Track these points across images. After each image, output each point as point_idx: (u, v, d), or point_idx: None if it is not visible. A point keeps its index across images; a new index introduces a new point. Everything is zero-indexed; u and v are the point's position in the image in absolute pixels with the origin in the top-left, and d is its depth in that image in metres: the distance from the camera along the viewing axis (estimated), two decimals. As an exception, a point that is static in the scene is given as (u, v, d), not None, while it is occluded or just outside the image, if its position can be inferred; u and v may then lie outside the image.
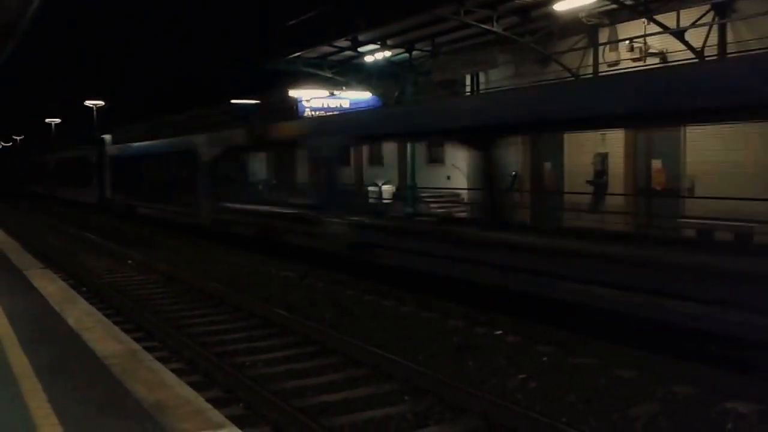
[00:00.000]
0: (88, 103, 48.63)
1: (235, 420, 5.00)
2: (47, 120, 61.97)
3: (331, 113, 24.65)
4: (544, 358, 8.08)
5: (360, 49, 24.58)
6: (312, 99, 26.00)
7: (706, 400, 6.58)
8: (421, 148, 25.40)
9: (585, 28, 18.65)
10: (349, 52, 25.35)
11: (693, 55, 15.56)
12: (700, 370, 7.11)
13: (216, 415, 4.46)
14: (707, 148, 15.07)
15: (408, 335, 9.26)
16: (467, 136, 11.75)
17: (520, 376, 7.43)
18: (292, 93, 26.62)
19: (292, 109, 26.41)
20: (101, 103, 48.76)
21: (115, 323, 7.86)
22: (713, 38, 15.51)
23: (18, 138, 77.35)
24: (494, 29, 19.03)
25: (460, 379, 7.16)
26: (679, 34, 15.80)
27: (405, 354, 8.08)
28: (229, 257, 16.90)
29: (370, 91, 26.14)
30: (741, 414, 6.22)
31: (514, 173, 20.54)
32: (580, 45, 19.28)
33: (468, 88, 23.15)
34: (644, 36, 16.98)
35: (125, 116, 48.60)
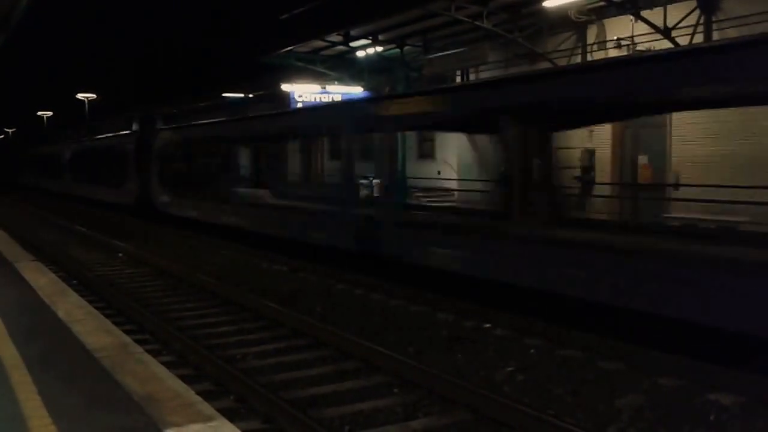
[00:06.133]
0: (80, 95, 48.46)
1: (225, 413, 5.03)
2: (39, 113, 61.70)
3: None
4: (532, 351, 8.16)
5: (352, 44, 24.65)
6: (304, 93, 25.97)
7: (690, 391, 6.68)
8: (412, 145, 25.46)
9: (574, 25, 18.77)
10: (341, 47, 25.41)
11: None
12: (683, 362, 7.20)
13: (206, 407, 4.49)
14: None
15: (397, 328, 9.32)
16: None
17: (509, 369, 7.51)
18: (285, 87, 26.60)
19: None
20: (93, 95, 48.60)
21: (106, 316, 7.87)
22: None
23: (10, 131, 76.89)
24: (484, 25, 19.11)
25: (449, 372, 7.22)
26: (665, 32, 15.92)
27: (394, 347, 8.14)
28: (222, 250, 16.90)
29: (362, 87, 26.17)
30: (723, 405, 6.32)
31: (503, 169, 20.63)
32: (569, 42, 19.38)
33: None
34: (632, 36, 17.10)
35: (117, 109, 48.46)
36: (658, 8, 16.37)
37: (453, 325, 9.45)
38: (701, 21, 15.64)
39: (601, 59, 16.03)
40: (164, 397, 4.65)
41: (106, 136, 33.33)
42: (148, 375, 5.15)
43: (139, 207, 24.71)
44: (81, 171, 35.03)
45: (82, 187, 34.14)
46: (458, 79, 22.56)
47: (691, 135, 15.77)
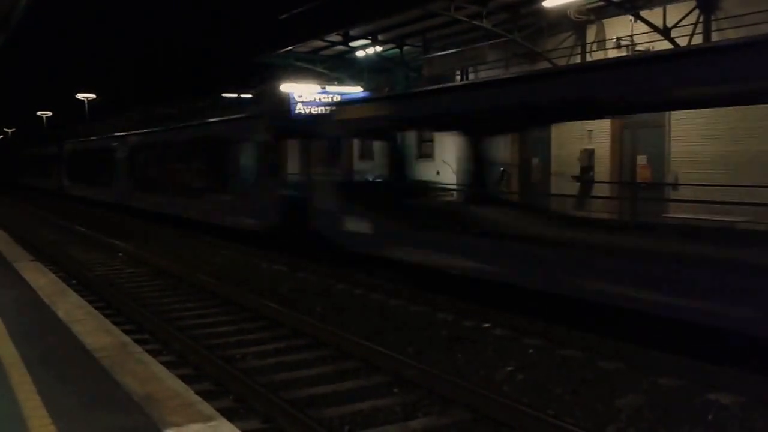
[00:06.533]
0: (79, 95, 48.49)
1: (225, 412, 5.04)
2: (39, 113, 61.77)
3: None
4: (531, 351, 8.16)
5: (351, 44, 24.66)
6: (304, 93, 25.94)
7: (689, 391, 6.69)
8: (411, 145, 25.46)
9: (573, 25, 18.79)
10: (340, 47, 25.42)
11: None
12: (683, 362, 7.21)
13: (206, 407, 4.49)
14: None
15: (397, 328, 9.33)
16: None
17: (508, 369, 7.51)
18: (284, 87, 26.59)
19: None
20: (93, 95, 48.61)
21: (105, 316, 7.89)
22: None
23: (9, 131, 76.91)
24: (484, 25, 19.12)
25: (449, 372, 7.23)
26: (665, 31, 15.95)
27: (394, 347, 8.15)
28: (222, 250, 16.90)
29: (362, 87, 26.17)
30: (723, 405, 6.33)
31: (502, 169, 20.69)
32: (568, 42, 19.40)
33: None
34: (631, 35, 17.12)
35: (117, 109, 48.46)
36: (657, 8, 16.39)
37: (453, 325, 9.45)
38: (701, 20, 15.65)
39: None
40: (164, 396, 4.66)
41: (204, 122, 22.35)
42: (147, 375, 5.15)
43: (287, 233, 15.42)
44: (151, 174, 25.01)
45: (154, 197, 23.73)
46: (458, 79, 22.58)
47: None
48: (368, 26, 22.81)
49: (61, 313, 7.25)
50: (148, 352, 6.28)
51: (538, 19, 19.27)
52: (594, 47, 18.46)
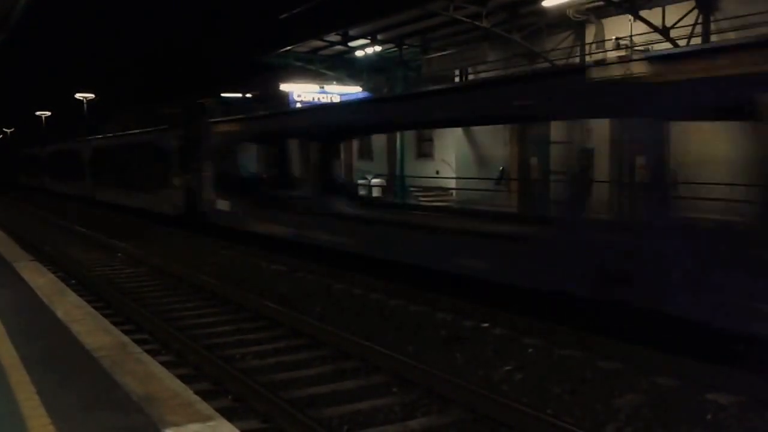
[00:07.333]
0: (78, 95, 48.41)
1: (224, 412, 5.03)
2: (38, 113, 61.73)
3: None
4: (530, 350, 8.17)
5: (350, 44, 24.68)
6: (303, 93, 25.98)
7: (688, 391, 6.69)
8: (410, 144, 25.53)
9: (572, 25, 18.80)
10: (339, 47, 25.43)
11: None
12: (682, 362, 7.21)
13: (205, 407, 4.48)
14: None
15: (397, 328, 9.33)
16: None
17: (507, 368, 7.52)
18: (283, 87, 26.61)
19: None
20: (92, 95, 48.52)
21: (105, 316, 7.87)
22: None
23: (8, 131, 76.85)
24: (483, 25, 19.13)
25: (448, 371, 7.23)
26: (664, 31, 15.97)
27: (393, 346, 8.15)
28: (222, 250, 16.90)
29: (361, 86, 26.19)
30: (721, 405, 6.33)
31: (501, 168, 20.71)
32: (567, 42, 19.41)
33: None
34: (630, 35, 17.13)
35: (116, 109, 48.33)
36: (657, 8, 16.41)
37: (452, 325, 9.45)
38: (700, 20, 15.66)
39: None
40: (163, 396, 4.65)
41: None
42: (146, 374, 5.14)
43: None
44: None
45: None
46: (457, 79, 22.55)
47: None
48: (367, 26, 22.83)
49: (60, 313, 7.24)
50: (148, 351, 6.26)
51: (537, 19, 19.29)
52: (593, 47, 18.47)
